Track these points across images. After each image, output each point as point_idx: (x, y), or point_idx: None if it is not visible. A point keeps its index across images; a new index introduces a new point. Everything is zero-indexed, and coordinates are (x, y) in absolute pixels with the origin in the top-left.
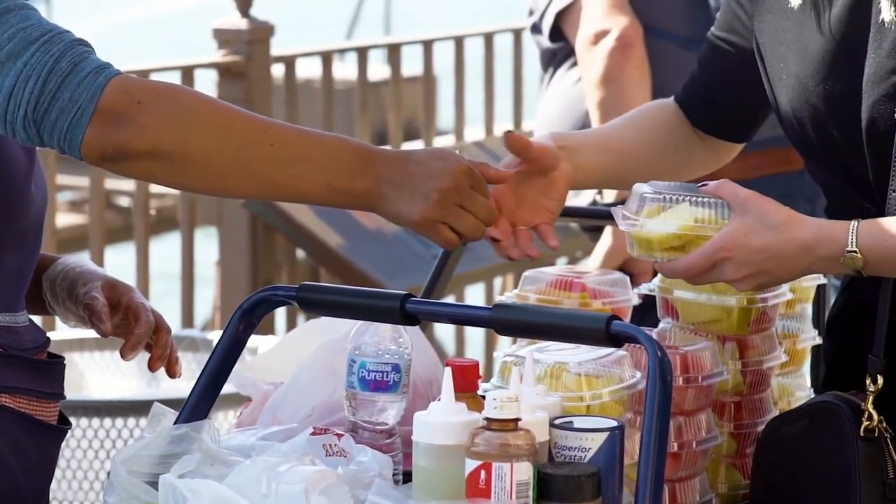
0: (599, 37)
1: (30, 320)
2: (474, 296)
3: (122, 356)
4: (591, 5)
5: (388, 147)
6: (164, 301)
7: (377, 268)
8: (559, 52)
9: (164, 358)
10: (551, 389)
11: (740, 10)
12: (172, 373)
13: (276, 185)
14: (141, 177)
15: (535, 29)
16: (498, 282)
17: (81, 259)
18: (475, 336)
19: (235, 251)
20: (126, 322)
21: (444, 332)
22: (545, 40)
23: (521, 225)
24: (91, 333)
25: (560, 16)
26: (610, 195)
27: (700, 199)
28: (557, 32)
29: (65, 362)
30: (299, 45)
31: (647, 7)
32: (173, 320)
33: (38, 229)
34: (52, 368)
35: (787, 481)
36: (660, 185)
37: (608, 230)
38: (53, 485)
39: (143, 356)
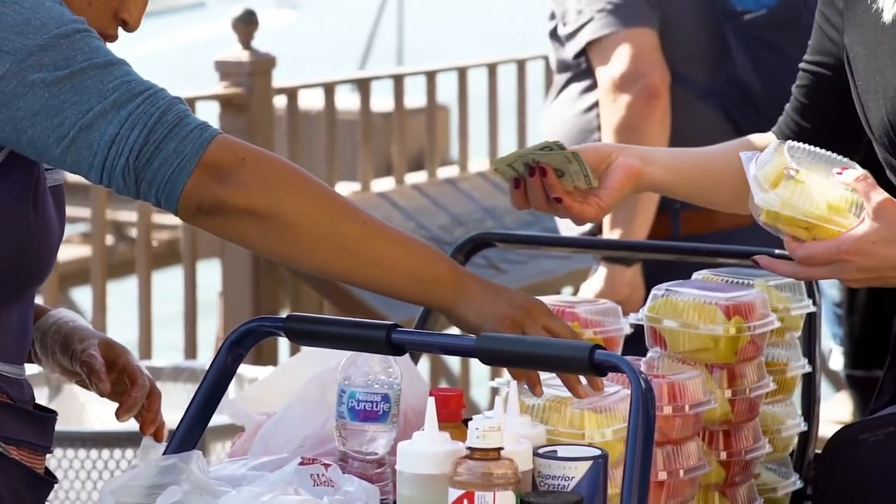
0: (626, 80)
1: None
2: None
3: (118, 418)
4: (623, 44)
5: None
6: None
7: (378, 298)
8: (579, 67)
9: (156, 423)
10: (553, 423)
11: (830, 28)
12: (160, 437)
13: (362, 261)
14: (235, 235)
15: (555, 35)
16: None
17: (73, 314)
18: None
19: (238, 283)
20: (120, 383)
21: (452, 359)
22: (565, 51)
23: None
24: None
25: (590, 45)
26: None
27: (837, 178)
28: (582, 54)
29: (56, 416)
30: (307, 76)
31: (669, 51)
32: (177, 351)
33: (50, 259)
34: (49, 422)
35: (859, 488)
36: (799, 149)
37: (601, 273)
38: None
39: None
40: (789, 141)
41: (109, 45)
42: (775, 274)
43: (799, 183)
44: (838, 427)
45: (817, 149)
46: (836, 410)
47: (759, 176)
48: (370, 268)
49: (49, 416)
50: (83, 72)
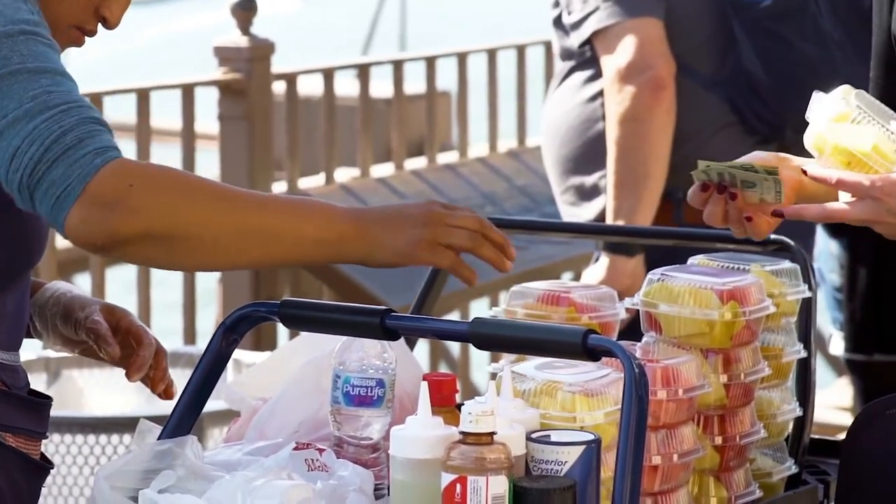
0: (632, 71)
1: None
2: (479, 311)
3: (129, 377)
4: (629, 34)
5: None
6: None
7: (378, 284)
8: (584, 55)
9: (164, 381)
10: (545, 407)
11: None
12: (170, 394)
13: (269, 245)
14: (141, 261)
15: (559, 23)
16: (503, 296)
17: (68, 285)
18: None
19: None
20: (126, 346)
21: (452, 343)
22: (569, 40)
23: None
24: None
25: (596, 34)
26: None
27: (889, 130)
28: (587, 43)
29: (52, 402)
30: (309, 63)
31: (675, 41)
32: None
33: (38, 254)
34: (44, 407)
35: (888, 462)
36: (865, 97)
37: (602, 262)
38: (50, 501)
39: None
40: (858, 89)
41: (109, 33)
42: (802, 217)
43: (855, 122)
44: (840, 413)
45: (881, 104)
46: (838, 396)
47: (820, 109)
48: (279, 247)
49: (44, 402)
50: (13, 75)
